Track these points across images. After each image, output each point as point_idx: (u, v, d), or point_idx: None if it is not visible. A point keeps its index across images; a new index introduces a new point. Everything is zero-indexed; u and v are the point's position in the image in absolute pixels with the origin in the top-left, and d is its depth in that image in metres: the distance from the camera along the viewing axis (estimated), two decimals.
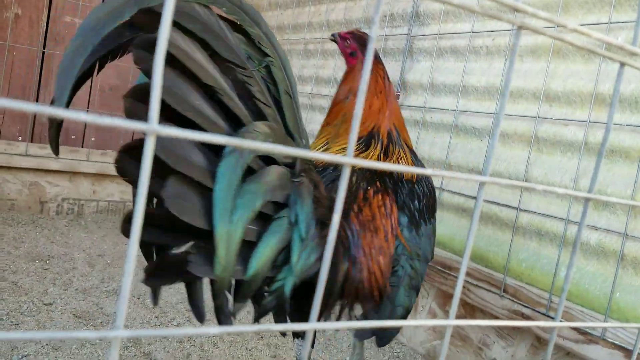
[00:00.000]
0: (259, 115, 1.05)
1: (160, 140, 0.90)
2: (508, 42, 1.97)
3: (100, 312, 2.08)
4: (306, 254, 1.10)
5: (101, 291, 2.29)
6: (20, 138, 3.25)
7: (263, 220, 1.03)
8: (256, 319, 1.14)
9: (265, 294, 1.11)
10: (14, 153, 3.10)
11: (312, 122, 2.93)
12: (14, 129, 3.25)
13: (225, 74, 1.00)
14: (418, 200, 1.40)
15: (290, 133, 1.11)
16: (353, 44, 1.51)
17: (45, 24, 3.27)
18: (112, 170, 3.32)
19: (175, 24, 0.93)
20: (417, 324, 0.61)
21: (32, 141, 3.26)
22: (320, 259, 1.12)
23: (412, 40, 2.36)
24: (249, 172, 0.99)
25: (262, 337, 2.12)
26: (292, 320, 1.22)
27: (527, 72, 1.91)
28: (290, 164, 1.09)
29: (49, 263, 2.52)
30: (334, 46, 2.84)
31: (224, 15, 1.03)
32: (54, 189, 3.26)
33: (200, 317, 1.05)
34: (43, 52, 3.27)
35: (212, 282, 0.99)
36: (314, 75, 2.94)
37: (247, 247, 1.01)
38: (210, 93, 0.95)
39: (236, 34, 1.03)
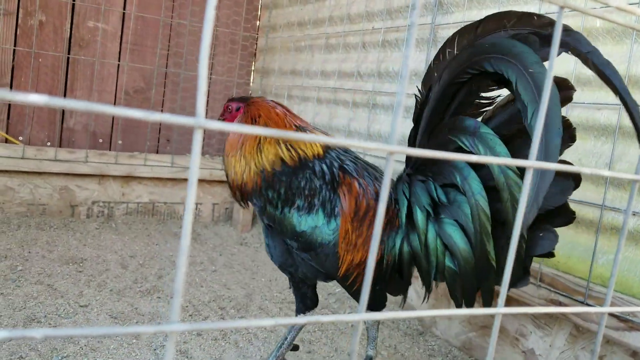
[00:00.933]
0: None
1: None
2: None
3: (135, 312, 2.11)
4: None
5: (135, 292, 2.32)
6: (49, 143, 3.30)
7: None
8: None
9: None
10: (43, 158, 3.15)
11: (337, 116, 2.92)
12: (42, 135, 3.31)
13: None
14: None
15: None
16: (233, 105, 1.73)
17: (69, 30, 3.32)
18: (139, 172, 3.36)
19: None
20: (467, 313, 0.60)
21: (60, 146, 3.30)
22: None
23: (436, 29, 2.33)
24: None
25: None
26: None
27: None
28: None
29: (82, 265, 2.55)
30: (356, 39, 2.83)
31: None
32: (84, 192, 3.31)
33: None
34: (68, 58, 3.31)
35: None
36: (337, 69, 2.93)
37: None
38: None
39: None
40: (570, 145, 1.29)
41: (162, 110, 3.59)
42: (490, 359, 0.60)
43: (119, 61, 3.43)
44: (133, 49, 3.47)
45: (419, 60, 2.41)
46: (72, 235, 2.99)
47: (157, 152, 3.58)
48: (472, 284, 1.42)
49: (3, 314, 1.95)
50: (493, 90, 1.39)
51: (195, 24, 3.60)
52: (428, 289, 1.55)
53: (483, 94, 1.42)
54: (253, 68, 3.90)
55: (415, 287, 2.38)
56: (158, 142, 3.61)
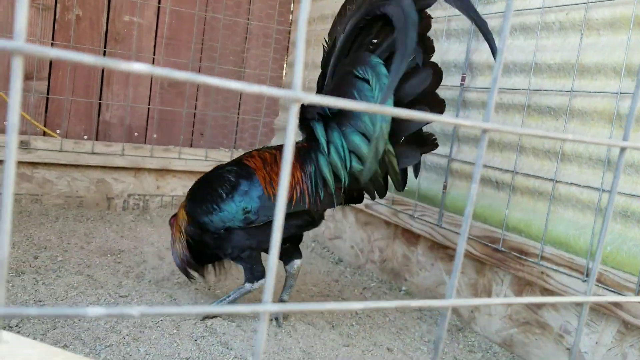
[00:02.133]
0: None
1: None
2: (583, 16, 1.87)
3: (174, 303, 2.12)
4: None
5: (173, 283, 2.33)
6: (85, 137, 3.34)
7: None
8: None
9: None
10: (81, 151, 3.19)
11: None
12: (79, 128, 3.35)
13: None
14: None
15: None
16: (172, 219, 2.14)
17: (105, 24, 3.35)
18: (174, 165, 3.38)
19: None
20: (554, 301, 0.57)
21: (97, 139, 3.34)
22: None
23: None
24: None
25: (333, 327, 2.11)
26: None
27: (604, 46, 1.82)
28: None
29: (120, 257, 2.58)
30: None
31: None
32: (120, 185, 3.34)
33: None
34: (104, 52, 3.35)
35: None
36: None
37: None
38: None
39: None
40: (431, 56, 1.81)
41: (195, 105, 3.60)
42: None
43: (154, 55, 3.46)
44: (168, 43, 3.49)
45: (459, 51, 2.37)
46: (108, 227, 3.02)
47: (190, 146, 3.60)
48: (379, 179, 1.83)
49: (47, 303, 1.97)
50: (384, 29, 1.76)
51: (229, 17, 3.60)
52: (344, 193, 1.92)
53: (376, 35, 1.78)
54: (286, 62, 3.89)
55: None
56: (192, 135, 3.62)
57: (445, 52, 2.44)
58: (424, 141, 1.84)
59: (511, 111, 2.11)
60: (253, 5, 3.70)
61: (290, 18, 3.83)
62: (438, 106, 1.79)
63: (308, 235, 3.34)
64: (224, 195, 1.89)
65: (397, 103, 1.72)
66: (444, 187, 2.34)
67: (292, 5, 3.83)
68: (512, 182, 2.08)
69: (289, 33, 3.84)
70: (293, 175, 1.85)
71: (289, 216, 1.87)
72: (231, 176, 1.92)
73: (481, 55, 2.27)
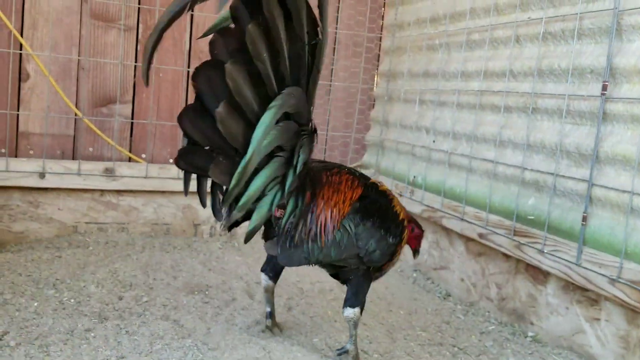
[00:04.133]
0: (296, 81, 1.53)
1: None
2: None
3: (269, 357, 1.85)
4: (290, 182, 1.61)
5: (263, 328, 2.08)
6: (171, 160, 3.19)
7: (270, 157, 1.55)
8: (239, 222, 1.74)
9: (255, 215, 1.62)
10: (166, 177, 3.03)
11: (482, 123, 2.52)
12: (164, 152, 3.20)
13: (291, 41, 1.47)
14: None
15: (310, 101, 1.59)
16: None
17: (188, 43, 3.19)
18: None
19: None
20: None
21: None
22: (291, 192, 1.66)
23: (621, 16, 1.88)
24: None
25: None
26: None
27: None
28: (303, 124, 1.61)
29: (208, 295, 2.37)
30: (507, 32, 2.42)
31: None
32: (206, 211, 3.14)
33: (203, 204, 1.66)
34: (188, 72, 3.18)
35: (222, 190, 1.61)
36: (482, 68, 2.53)
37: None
38: (274, 53, 1.45)
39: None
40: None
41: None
42: None
43: None
44: None
45: (596, 54, 1.97)
46: (195, 257, 2.83)
47: None
48: None
49: (130, 359, 1.77)
50: None
51: None
52: None
53: None
54: (377, 71, 3.58)
55: (597, 333, 1.94)
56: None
57: (577, 55, 2.04)
58: None
59: None
60: (341, 13, 3.43)
61: (382, 23, 3.52)
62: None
63: (408, 264, 3.02)
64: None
65: None
66: (584, 219, 1.94)
67: (384, 9, 3.51)
68: None
69: (380, 40, 3.53)
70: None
71: None
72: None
73: (627, 58, 1.86)
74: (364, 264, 1.79)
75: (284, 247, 1.70)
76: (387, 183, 3.10)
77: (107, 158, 3.04)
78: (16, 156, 2.93)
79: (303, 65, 1.52)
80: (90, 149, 3.07)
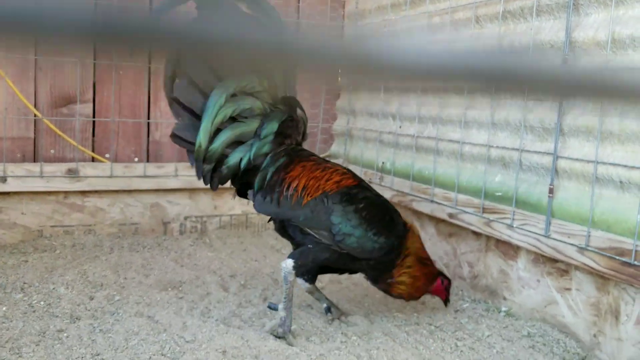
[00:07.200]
0: None
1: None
2: None
3: (247, 346, 1.84)
4: (259, 146, 1.95)
5: (242, 320, 2.06)
6: (136, 159, 3.13)
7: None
8: (220, 182, 2.08)
9: (224, 166, 1.99)
10: (132, 175, 2.98)
11: (448, 106, 2.55)
12: (128, 150, 3.14)
13: None
14: None
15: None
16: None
17: None
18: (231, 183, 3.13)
19: None
20: None
21: (148, 161, 3.12)
22: (267, 155, 1.97)
23: None
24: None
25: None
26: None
27: None
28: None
29: (181, 290, 2.33)
30: (466, 14, 2.45)
31: None
32: (175, 208, 3.12)
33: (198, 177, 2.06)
34: (149, 67, 3.13)
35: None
36: None
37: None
38: None
39: None
40: None
41: None
42: None
43: None
44: None
45: (555, 29, 2.02)
46: (167, 255, 2.79)
47: None
48: None
49: (106, 356, 1.73)
50: None
51: None
52: None
53: None
54: None
55: (569, 302, 1.99)
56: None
57: (537, 31, 2.08)
58: None
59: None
60: (303, 3, 3.42)
61: (343, 13, 3.53)
62: None
63: None
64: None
65: None
66: (550, 191, 1.98)
67: None
68: None
69: (342, 29, 3.53)
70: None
71: None
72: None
73: (585, 31, 1.90)
74: (337, 245, 1.80)
75: (257, 196, 1.97)
76: (357, 171, 3.09)
77: (70, 159, 2.97)
78: None
79: None
80: (52, 151, 2.99)
